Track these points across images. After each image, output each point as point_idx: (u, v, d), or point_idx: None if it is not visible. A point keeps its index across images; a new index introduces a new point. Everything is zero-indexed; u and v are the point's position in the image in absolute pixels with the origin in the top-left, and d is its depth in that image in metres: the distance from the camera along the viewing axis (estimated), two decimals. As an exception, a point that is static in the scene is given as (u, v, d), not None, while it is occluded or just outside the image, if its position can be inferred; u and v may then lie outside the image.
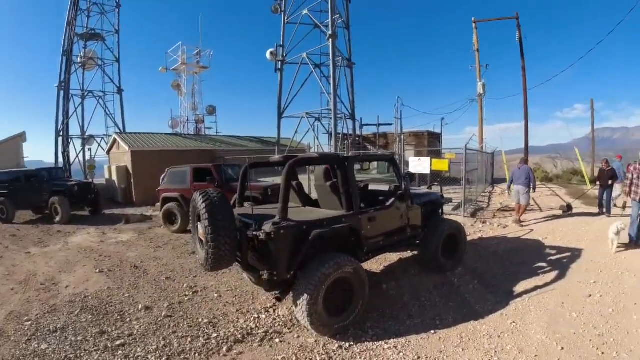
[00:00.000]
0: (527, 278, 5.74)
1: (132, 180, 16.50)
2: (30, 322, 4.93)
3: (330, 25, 16.93)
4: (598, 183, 10.75)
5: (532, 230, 8.82)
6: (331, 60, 16.55)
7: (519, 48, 20.22)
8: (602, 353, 3.61)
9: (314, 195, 5.87)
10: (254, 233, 3.97)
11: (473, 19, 20.53)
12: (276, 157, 5.76)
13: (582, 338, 3.92)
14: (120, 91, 24.74)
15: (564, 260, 6.45)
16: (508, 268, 6.33)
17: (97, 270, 7.11)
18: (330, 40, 16.64)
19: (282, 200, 4.10)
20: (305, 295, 3.95)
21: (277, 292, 4.49)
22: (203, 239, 4.15)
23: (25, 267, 7.78)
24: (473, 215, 11.08)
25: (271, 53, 19.27)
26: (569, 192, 15.70)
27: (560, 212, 10.81)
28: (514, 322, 4.36)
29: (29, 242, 10.33)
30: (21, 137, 21.18)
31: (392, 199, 5.33)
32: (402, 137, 16.37)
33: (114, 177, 17.02)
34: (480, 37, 20.47)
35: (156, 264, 7.42)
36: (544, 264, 6.40)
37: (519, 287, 5.42)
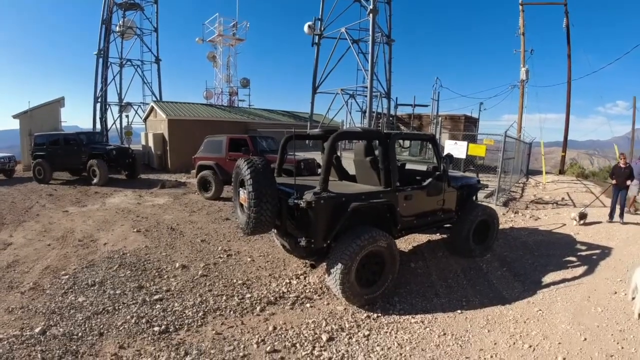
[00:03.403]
0: (555, 270, 5.71)
1: (167, 148, 16.94)
2: (67, 276, 5.14)
3: (371, 0, 16.48)
4: (613, 181, 8.83)
5: (564, 224, 8.57)
6: (371, 36, 16.11)
7: (566, 35, 19.25)
8: (622, 347, 3.65)
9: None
10: (295, 201, 4.07)
11: (520, 0, 19.56)
12: (316, 130, 5.80)
13: (604, 331, 3.95)
14: (157, 61, 25.08)
15: (593, 257, 6.36)
16: (537, 259, 6.29)
17: (135, 230, 7.41)
18: (371, 15, 16.15)
19: (324, 171, 4.19)
20: (340, 264, 4.05)
21: (312, 260, 4.61)
22: (245, 204, 4.30)
23: (62, 224, 8.15)
24: (505, 204, 10.86)
25: (309, 26, 18.96)
26: (604, 191, 15.09)
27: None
28: (540, 310, 4.40)
29: (67, 202, 10.82)
30: (59, 102, 21.87)
31: (430, 180, 5.31)
32: (440, 119, 15.99)
33: (150, 144, 17.53)
34: (526, 20, 19.55)
35: (191, 227, 7.68)
36: (573, 258, 6.32)
37: (547, 278, 5.41)
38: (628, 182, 8.55)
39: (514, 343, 3.70)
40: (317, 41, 19.21)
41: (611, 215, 8.75)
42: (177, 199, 10.95)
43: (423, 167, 6.06)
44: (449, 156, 5.74)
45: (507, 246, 6.97)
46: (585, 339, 3.78)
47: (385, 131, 5.10)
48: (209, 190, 10.75)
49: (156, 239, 6.86)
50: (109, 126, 23.72)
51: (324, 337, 3.74)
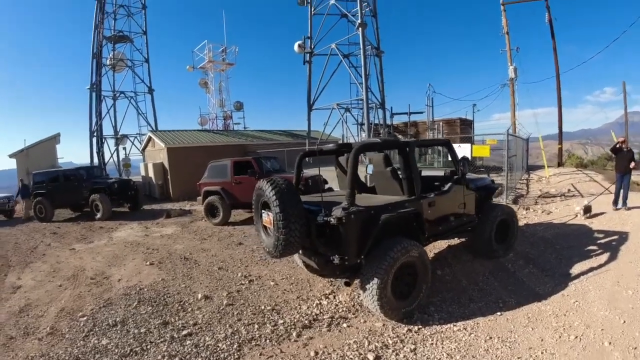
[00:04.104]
0: (580, 261, 5.73)
1: (168, 176, 16.81)
2: (85, 318, 4.90)
3: (359, 14, 16.73)
4: (614, 166, 8.68)
5: (576, 215, 8.50)
6: (362, 49, 16.31)
7: (549, 30, 19.50)
8: None
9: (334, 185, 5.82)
10: (325, 219, 3.95)
11: (501, 1, 19.87)
12: (330, 145, 5.74)
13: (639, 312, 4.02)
14: (151, 91, 25.14)
15: (612, 243, 6.38)
16: (560, 252, 6.27)
17: (148, 263, 7.20)
18: (360, 29, 16.40)
19: (349, 186, 4.10)
20: (375, 280, 3.92)
21: (344, 277, 4.48)
22: (270, 226, 4.17)
23: (71, 262, 7.93)
24: (515, 202, 10.80)
25: (299, 45, 19.15)
26: (606, 178, 15.10)
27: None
28: (576, 301, 4.41)
29: (72, 239, 10.60)
30: (55, 139, 21.85)
31: (450, 184, 5.26)
32: (440, 124, 16.05)
33: (151, 174, 17.37)
34: (509, 19, 19.81)
35: (205, 255, 7.50)
36: (594, 247, 6.35)
37: (575, 270, 5.42)
38: (632, 165, 8.41)
39: (560, 336, 3.72)
40: (308, 59, 19.37)
41: (615, 202, 8.63)
42: (185, 227, 10.77)
43: (425, 173, 6.02)
44: (466, 159, 5.69)
45: (527, 243, 6.91)
46: (624, 322, 3.85)
47: (404, 140, 5.07)
48: (216, 216, 10.58)
49: (171, 270, 6.66)
50: (106, 159, 23.61)
51: (370, 356, 3.57)
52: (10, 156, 19.86)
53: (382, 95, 19.65)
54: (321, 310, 4.55)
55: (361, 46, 16.66)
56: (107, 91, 23.99)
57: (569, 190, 12.15)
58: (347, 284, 4.46)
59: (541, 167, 19.16)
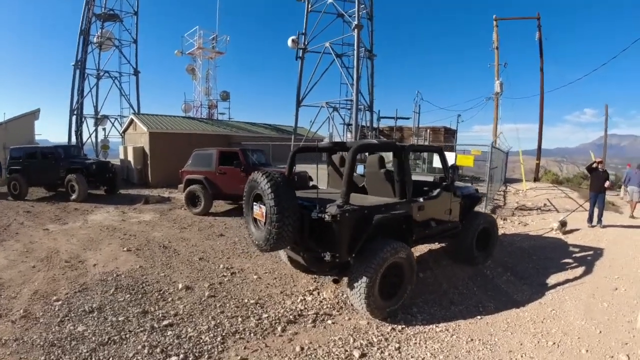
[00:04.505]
0: (556, 272, 5.97)
1: (148, 161, 16.36)
2: (60, 302, 4.72)
3: (356, 16, 16.79)
4: (589, 185, 9.26)
5: (552, 229, 8.82)
6: (355, 51, 16.34)
7: (539, 48, 20.07)
8: (634, 336, 3.99)
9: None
10: (319, 215, 3.93)
11: (494, 16, 20.29)
12: (324, 143, 5.76)
13: (615, 323, 4.26)
14: (136, 73, 24.44)
15: (588, 258, 6.71)
16: (537, 262, 6.51)
17: (125, 249, 7.01)
18: (356, 30, 16.45)
19: (345, 184, 4.09)
20: (364, 278, 3.95)
21: (333, 274, 4.49)
22: (262, 219, 4.13)
23: (45, 243, 7.63)
24: (493, 212, 11.06)
25: (293, 41, 19.01)
26: (581, 195, 15.67)
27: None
28: (553, 309, 4.59)
29: (46, 219, 10.21)
30: (34, 115, 21.09)
31: (439, 190, 5.35)
32: (428, 131, 16.27)
33: (130, 158, 16.90)
34: (500, 34, 20.26)
35: (185, 245, 7.35)
36: (569, 260, 6.64)
37: (551, 280, 5.62)
38: (607, 184, 8.82)
39: (538, 342, 3.86)
40: (301, 55, 19.28)
41: (590, 219, 9.04)
42: (164, 214, 10.51)
43: (436, 176, 6.14)
44: (455, 167, 5.80)
45: (504, 252, 7.14)
46: (600, 332, 4.08)
47: (400, 143, 5.11)
48: (197, 205, 10.37)
49: (150, 258, 6.49)
50: (84, 140, 22.87)
51: (356, 353, 3.58)
52: (-14, 129, 18.94)
53: (371, 98, 19.77)
54: (305, 306, 4.52)
55: (355, 47, 16.70)
56: (92, 69, 23.22)
57: (544, 204, 12.57)
58: (335, 281, 4.47)
59: (517, 180, 19.71)
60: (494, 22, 20.27)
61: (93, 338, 3.84)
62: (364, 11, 18.79)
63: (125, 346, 3.70)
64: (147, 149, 16.44)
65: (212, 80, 25.85)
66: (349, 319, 4.28)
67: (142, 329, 4.01)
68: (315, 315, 4.30)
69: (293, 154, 5.45)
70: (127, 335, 3.89)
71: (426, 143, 17.52)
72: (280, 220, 3.85)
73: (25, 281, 5.53)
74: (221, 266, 6.00)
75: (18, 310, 4.51)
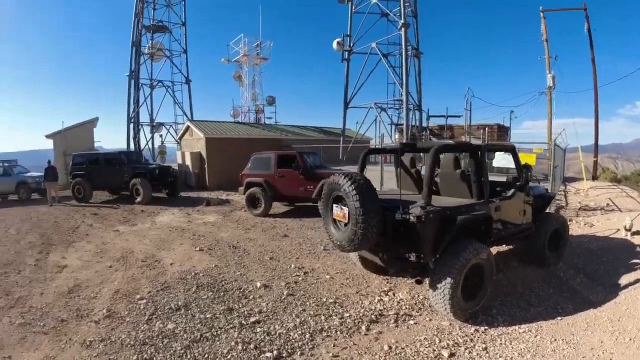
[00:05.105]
0: (627, 273, 5.77)
1: (205, 166, 17.11)
2: (144, 301, 4.88)
3: (402, 14, 16.68)
4: None
5: (618, 229, 8.36)
6: (403, 50, 16.30)
7: (588, 40, 18.97)
8: None
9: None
10: (403, 216, 4.00)
11: (541, 8, 19.40)
12: (392, 143, 5.82)
13: None
14: (188, 81, 25.67)
15: None
16: (607, 264, 6.29)
17: (197, 249, 7.34)
18: (403, 29, 16.38)
19: (427, 185, 4.13)
20: (448, 279, 3.96)
21: (415, 275, 4.53)
22: (343, 220, 4.25)
23: (117, 244, 8.08)
24: (556, 213, 10.64)
25: (338, 43, 19.22)
26: (641, 195, 14.70)
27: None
28: (627, 308, 4.51)
29: (114, 221, 10.87)
30: (93, 123, 22.50)
31: (513, 190, 5.26)
32: (485, 130, 15.85)
33: (188, 162, 17.73)
34: (549, 27, 19.33)
35: (253, 245, 7.61)
36: (638, 260, 6.36)
37: (623, 280, 5.50)
38: None
39: (616, 339, 3.88)
40: (347, 57, 19.40)
41: None
42: (226, 216, 10.97)
43: (509, 176, 6.06)
44: (527, 166, 5.68)
45: (574, 254, 6.88)
46: None
47: (477, 144, 5.09)
48: (257, 207, 10.74)
49: (222, 257, 6.78)
50: (141, 146, 24.20)
51: (445, 353, 3.61)
52: (48, 137, 20.31)
53: (419, 97, 19.58)
54: (384, 307, 4.58)
55: (403, 46, 16.63)
56: (145, 79, 24.58)
57: (607, 204, 11.94)
58: (419, 282, 4.51)
59: (574, 179, 18.72)
60: (541, 14, 19.40)
61: (185, 335, 3.94)
62: (409, 9, 18.62)
63: (218, 343, 3.82)
64: (203, 154, 17.18)
65: (258, 86, 26.57)
66: (430, 319, 4.30)
67: (231, 325, 4.16)
68: (396, 316, 4.35)
69: (364, 155, 5.53)
70: (218, 332, 4.01)
71: (479, 142, 17.03)
72: (365, 222, 3.94)
73: (104, 281, 5.79)
74: (292, 266, 6.18)
75: (100, 310, 4.67)
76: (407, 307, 4.60)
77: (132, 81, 23.80)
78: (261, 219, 10.30)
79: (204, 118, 22.84)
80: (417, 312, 4.49)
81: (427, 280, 4.36)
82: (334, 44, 19.28)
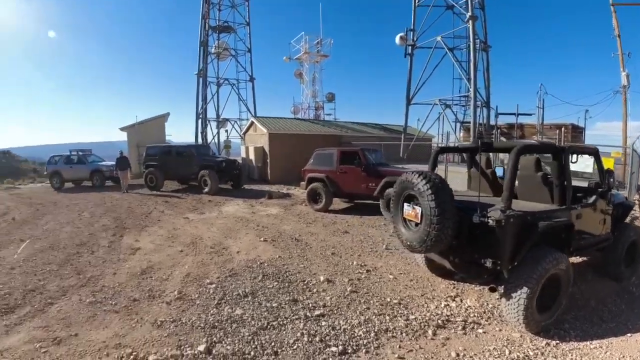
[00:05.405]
0: None
1: (267, 160, 17.68)
2: (214, 285, 5.08)
3: (469, 6, 16.01)
4: None
5: None
6: (471, 43, 15.63)
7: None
8: None
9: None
10: (481, 219, 3.84)
11: (611, 1, 17.56)
12: (465, 143, 5.62)
13: None
14: (252, 79, 26.58)
15: None
16: None
17: (261, 239, 7.61)
18: (470, 22, 15.72)
19: (508, 188, 3.93)
20: (525, 289, 3.76)
21: (488, 282, 4.38)
22: (414, 220, 4.18)
23: (187, 230, 8.58)
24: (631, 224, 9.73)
25: (401, 37, 18.86)
26: None
27: None
28: None
29: (184, 209, 11.57)
30: (164, 118, 24.07)
31: (595, 196, 4.87)
32: (562, 130, 14.80)
33: (251, 157, 18.41)
34: (620, 21, 17.43)
35: (315, 239, 7.73)
36: None
37: None
38: None
39: None
40: (410, 52, 18.97)
41: None
42: (288, 209, 11.25)
43: (591, 181, 5.64)
44: (610, 172, 5.23)
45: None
46: None
47: (561, 145, 4.79)
48: (318, 202, 10.89)
49: (285, 249, 6.96)
50: (208, 140, 25.49)
51: (516, 366, 3.45)
52: (122, 129, 22.02)
53: (487, 93, 18.66)
54: (451, 312, 4.46)
55: (471, 40, 15.96)
56: (212, 77, 25.76)
57: (684, 216, 10.68)
58: (492, 290, 4.31)
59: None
60: (612, 8, 17.55)
61: (252, 322, 4.07)
62: (476, 1, 17.79)
63: (284, 332, 3.91)
64: (266, 149, 17.74)
65: (318, 83, 27.02)
66: (500, 329, 4.11)
67: (296, 316, 4.24)
68: (464, 323, 4.21)
69: (436, 154, 5.40)
70: (284, 322, 4.11)
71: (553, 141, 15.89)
72: (440, 222, 3.83)
73: (175, 264, 6.15)
74: (354, 263, 6.19)
75: (172, 291, 4.94)
76: (476, 314, 4.43)
77: (200, 79, 25.08)
78: (321, 214, 10.43)
79: (266, 114, 23.66)
80: (486, 321, 4.31)
81: (500, 289, 4.18)
82: (397, 39, 18.93)
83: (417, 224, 4.20)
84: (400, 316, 4.33)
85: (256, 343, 3.70)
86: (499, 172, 5.84)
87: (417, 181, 4.05)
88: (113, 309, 4.50)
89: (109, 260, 6.48)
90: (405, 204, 4.38)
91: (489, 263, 3.86)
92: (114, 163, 16.45)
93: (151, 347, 3.63)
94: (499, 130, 19.06)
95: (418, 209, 4.12)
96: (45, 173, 18.75)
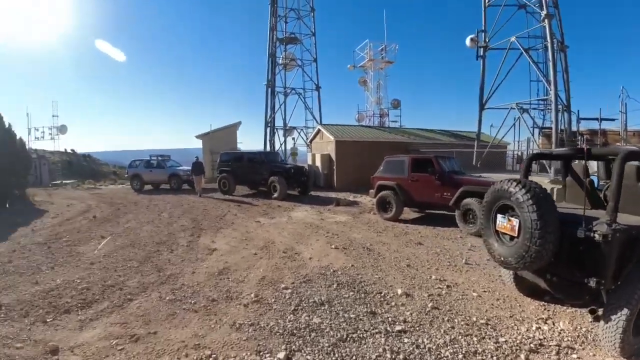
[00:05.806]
0: None
1: (334, 167, 17.84)
2: (289, 291, 5.07)
3: (543, 4, 15.02)
4: None
5: None
6: (549, 43, 14.61)
7: None
8: None
9: None
10: (587, 233, 3.49)
11: None
12: (560, 149, 5.19)
13: None
14: (318, 88, 27.15)
15: None
16: None
17: (333, 247, 7.58)
18: (546, 20, 14.73)
19: (613, 199, 3.53)
20: (625, 310, 3.37)
21: (588, 303, 3.99)
22: (510, 234, 3.91)
23: (260, 234, 8.78)
24: None
25: (472, 39, 18.08)
26: None
27: None
28: None
29: (255, 213, 11.93)
30: (236, 126, 25.39)
31: None
32: None
33: (318, 164, 18.70)
34: None
35: (386, 249, 7.55)
36: None
37: None
38: None
39: None
40: (482, 54, 18.12)
41: None
42: (356, 217, 11.19)
43: None
44: None
45: None
46: None
47: None
48: (388, 211, 10.67)
49: (358, 258, 6.86)
50: (276, 148, 26.37)
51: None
52: (198, 137, 23.83)
53: (567, 96, 17.25)
54: (544, 336, 4.10)
55: (548, 39, 14.95)
56: (280, 87, 26.68)
57: None
58: (593, 312, 3.91)
59: None
60: None
61: (331, 332, 3.96)
62: (549, -1, 16.62)
63: (365, 346, 3.74)
64: (333, 156, 17.89)
65: (382, 90, 26.87)
66: (594, 354, 3.72)
67: (376, 330, 4.07)
68: (557, 347, 3.85)
69: (529, 161, 5.05)
70: (364, 335, 3.95)
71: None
72: (542, 237, 3.52)
73: (250, 267, 6.26)
74: (432, 277, 5.94)
75: (248, 294, 4.98)
76: (570, 338, 4.04)
77: (269, 89, 26.10)
78: (392, 224, 10.22)
79: (331, 122, 23.95)
80: (580, 345, 3.91)
81: (599, 311, 3.78)
82: (467, 41, 18.17)
83: (512, 238, 3.92)
84: (489, 338, 4.06)
85: (336, 355, 3.59)
86: (596, 180, 5.32)
87: (514, 190, 3.77)
88: (192, 308, 4.61)
89: (188, 259, 6.78)
90: (499, 216, 4.10)
91: (592, 282, 3.48)
92: (190, 168, 17.44)
93: (230, 350, 3.65)
94: (579, 135, 17.61)
95: (515, 221, 3.83)
96: (126, 175, 20.59)
